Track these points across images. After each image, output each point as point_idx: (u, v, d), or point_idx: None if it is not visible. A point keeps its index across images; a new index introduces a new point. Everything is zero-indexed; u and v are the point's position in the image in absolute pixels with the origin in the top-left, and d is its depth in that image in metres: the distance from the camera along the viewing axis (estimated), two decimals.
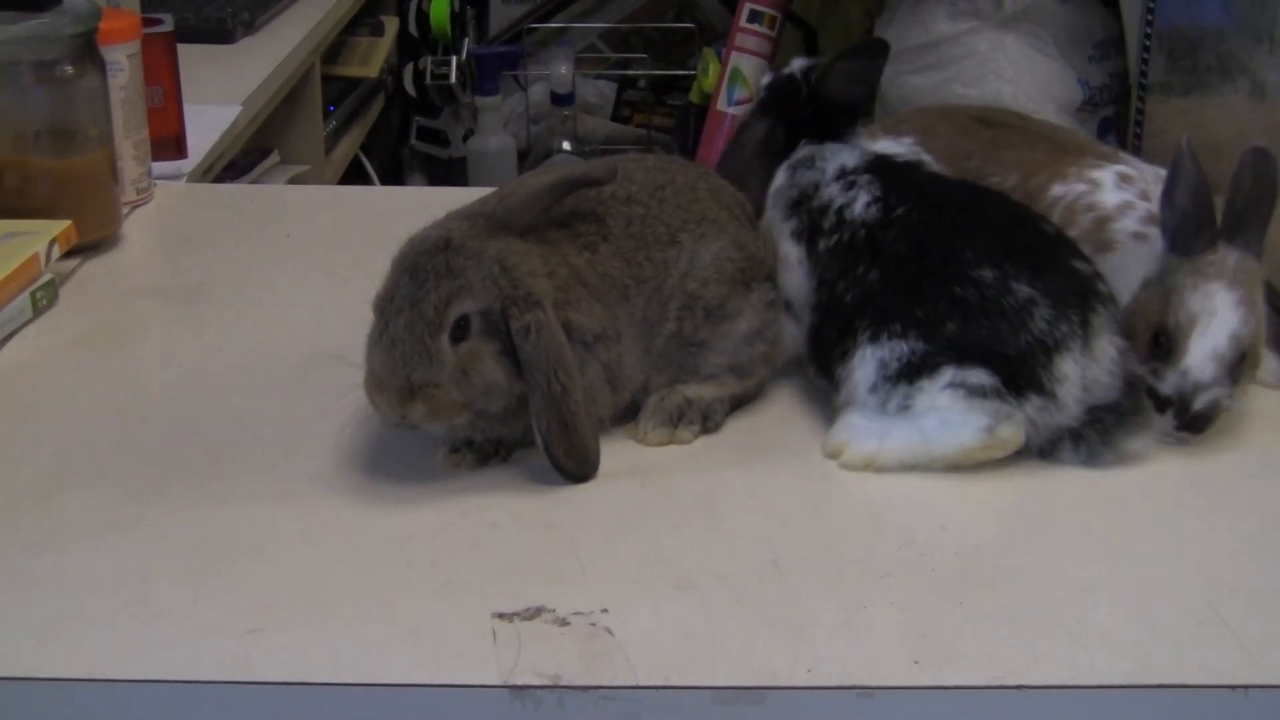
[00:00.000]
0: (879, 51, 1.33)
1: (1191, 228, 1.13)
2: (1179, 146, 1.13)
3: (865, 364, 1.16)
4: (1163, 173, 1.18)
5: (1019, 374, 1.11)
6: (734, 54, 3.41)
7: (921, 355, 1.13)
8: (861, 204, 1.22)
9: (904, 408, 1.13)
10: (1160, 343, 1.14)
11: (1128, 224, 1.18)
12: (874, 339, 1.15)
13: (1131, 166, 1.25)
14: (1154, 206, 1.17)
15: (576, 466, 1.11)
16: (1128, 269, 1.17)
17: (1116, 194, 1.20)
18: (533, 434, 1.10)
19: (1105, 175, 1.20)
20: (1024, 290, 1.12)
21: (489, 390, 1.09)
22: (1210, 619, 0.96)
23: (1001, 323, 1.12)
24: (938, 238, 1.17)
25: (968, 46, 3.10)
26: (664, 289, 1.18)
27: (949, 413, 1.11)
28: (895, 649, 0.93)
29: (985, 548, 1.05)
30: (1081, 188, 1.21)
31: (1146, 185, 1.22)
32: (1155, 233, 1.16)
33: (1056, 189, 1.22)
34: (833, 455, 1.14)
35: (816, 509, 1.10)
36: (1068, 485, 1.12)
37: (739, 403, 1.24)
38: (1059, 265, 1.15)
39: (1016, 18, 3.10)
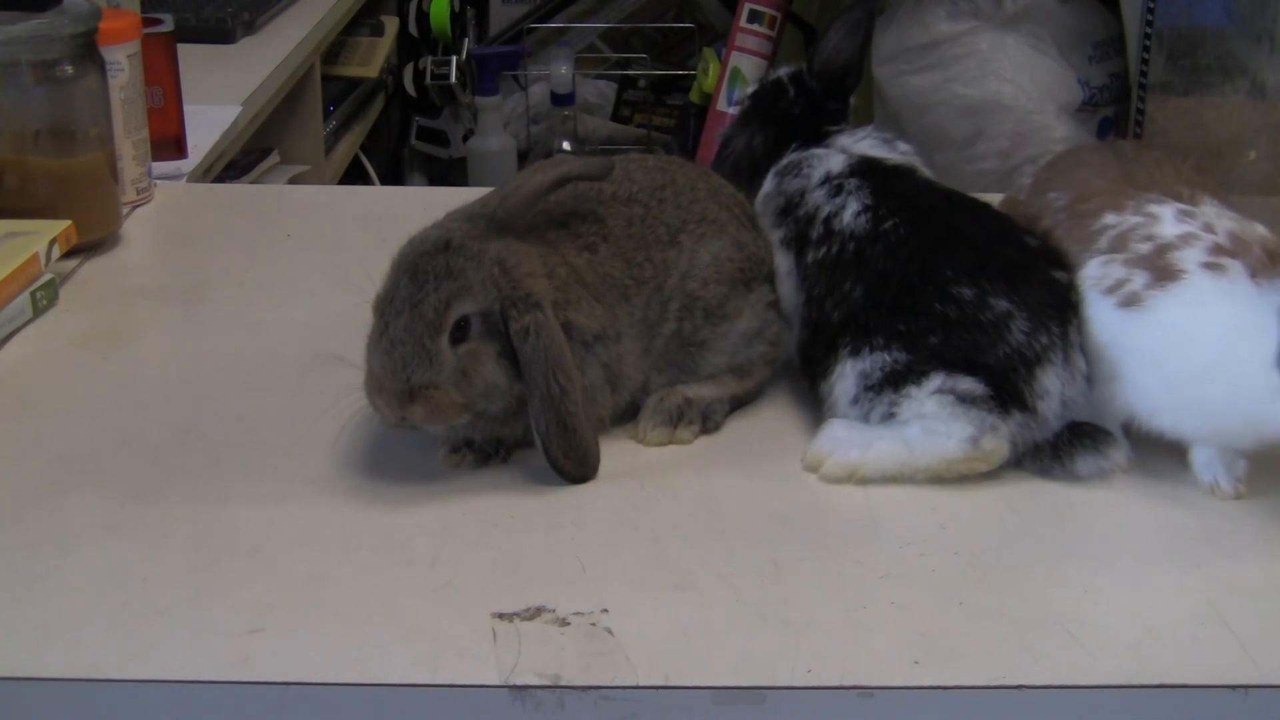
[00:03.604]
0: (869, 4, 1.37)
1: None
2: None
3: (845, 378, 1.16)
4: (1220, 209, 1.14)
5: (1002, 388, 1.11)
6: (734, 54, 3.41)
7: (906, 364, 1.13)
8: (851, 213, 1.22)
9: (888, 416, 1.13)
10: None
11: (1193, 254, 1.10)
12: (855, 353, 1.15)
13: (1188, 203, 1.17)
14: (1219, 238, 1.12)
15: (575, 467, 1.11)
16: (1207, 301, 1.09)
17: (1177, 226, 1.15)
18: (533, 434, 1.10)
19: (1164, 210, 1.16)
20: (1001, 305, 1.12)
21: (489, 391, 1.09)
22: (1210, 619, 0.96)
23: (980, 335, 1.12)
24: (920, 255, 1.17)
25: (968, 46, 3.10)
26: (664, 289, 1.18)
27: (935, 420, 1.11)
28: (895, 649, 0.93)
29: (985, 548, 1.05)
30: (1137, 219, 1.17)
31: (1209, 219, 1.13)
32: (1232, 262, 1.09)
33: (1109, 217, 1.18)
34: (813, 467, 1.14)
35: (816, 509, 1.10)
36: (1068, 485, 1.12)
37: (739, 403, 1.24)
38: (1037, 278, 1.15)
39: (1016, 18, 3.10)
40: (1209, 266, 1.09)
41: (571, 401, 1.08)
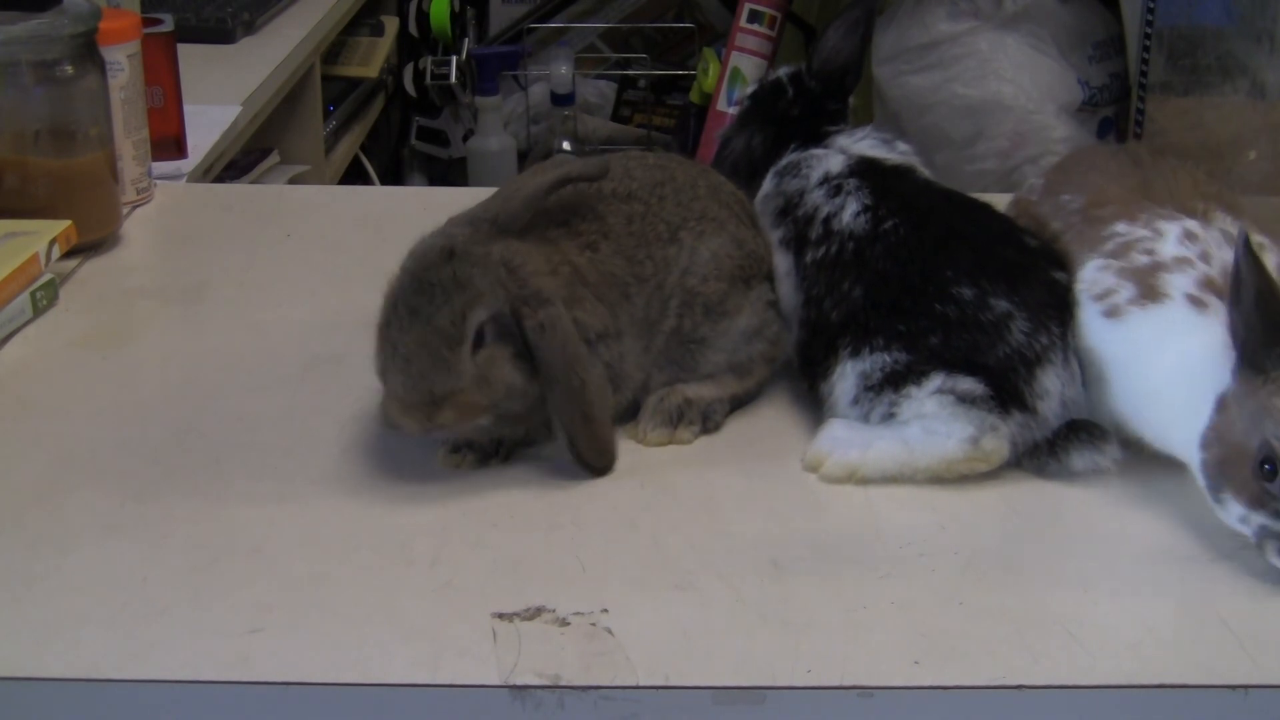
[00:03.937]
0: (868, 3, 1.37)
1: (1259, 340, 1.01)
2: (1236, 241, 1.02)
3: (846, 378, 1.16)
4: (1231, 232, 1.14)
5: (1002, 388, 1.11)
6: (734, 54, 3.41)
7: (906, 364, 1.13)
8: (850, 213, 1.22)
9: (888, 416, 1.13)
10: (1270, 472, 0.99)
11: (1183, 282, 1.11)
12: (855, 354, 1.16)
13: (1201, 218, 1.17)
14: (1213, 271, 1.13)
15: (598, 459, 1.11)
16: (1176, 332, 1.10)
17: (1176, 248, 1.13)
18: (533, 434, 1.10)
19: (1171, 228, 1.16)
20: (1001, 305, 1.12)
21: (510, 393, 1.09)
22: (1210, 619, 0.96)
23: (980, 335, 1.12)
24: (920, 255, 1.17)
25: (968, 46, 3.10)
26: (664, 287, 1.18)
27: (935, 420, 1.11)
28: (895, 649, 0.93)
29: (985, 548, 1.05)
30: (1144, 232, 1.17)
31: (1209, 247, 1.13)
32: (1216, 302, 1.09)
33: (1121, 226, 1.18)
34: (812, 467, 1.13)
35: (816, 509, 1.10)
36: (1067, 485, 1.12)
37: (739, 402, 1.23)
38: (1037, 278, 1.15)
39: (1016, 18, 3.10)
40: (1193, 300, 1.10)
41: (591, 392, 1.08)
